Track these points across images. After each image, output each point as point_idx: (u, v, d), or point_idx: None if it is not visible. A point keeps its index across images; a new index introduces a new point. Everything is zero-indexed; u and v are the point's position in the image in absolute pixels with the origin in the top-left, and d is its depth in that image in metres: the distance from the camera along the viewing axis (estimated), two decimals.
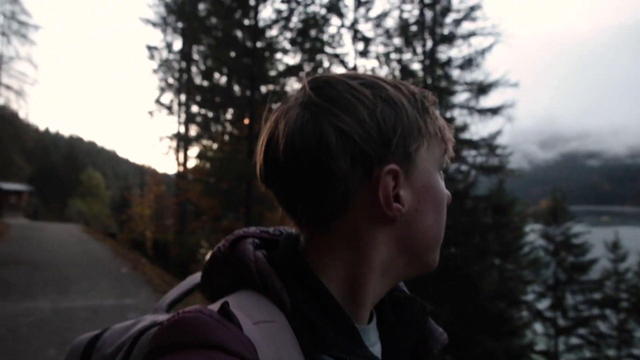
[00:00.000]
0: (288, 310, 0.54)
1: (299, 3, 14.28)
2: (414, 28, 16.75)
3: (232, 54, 13.34)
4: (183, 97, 21.64)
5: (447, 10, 16.52)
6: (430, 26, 16.61)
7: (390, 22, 19.07)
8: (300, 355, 0.52)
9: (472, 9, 16.24)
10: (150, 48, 22.82)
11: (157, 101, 22.20)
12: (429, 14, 16.65)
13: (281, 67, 14.83)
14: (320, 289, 0.57)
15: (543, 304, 19.29)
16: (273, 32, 14.64)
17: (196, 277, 0.73)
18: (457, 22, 16.48)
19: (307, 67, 17.01)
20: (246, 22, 13.83)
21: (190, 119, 18.87)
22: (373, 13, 16.90)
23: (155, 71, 22.83)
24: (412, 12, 16.98)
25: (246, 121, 10.90)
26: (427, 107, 0.61)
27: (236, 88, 16.22)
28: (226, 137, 12.02)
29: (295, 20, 14.97)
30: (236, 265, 0.59)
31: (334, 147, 0.55)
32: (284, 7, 14.52)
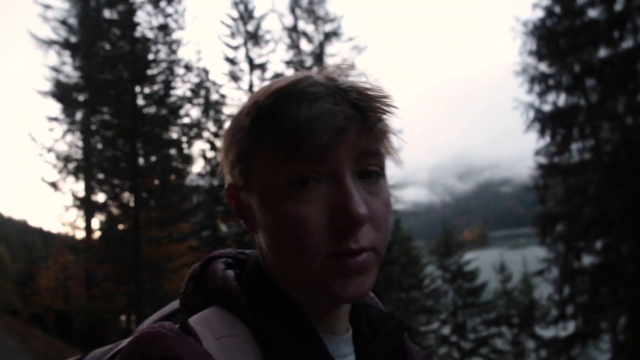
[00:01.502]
0: (251, 324, 0.55)
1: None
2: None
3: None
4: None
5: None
6: None
7: None
8: None
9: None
10: (51, 119, 22.77)
11: (62, 169, 22.01)
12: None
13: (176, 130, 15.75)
14: (278, 299, 0.58)
15: (447, 330, 20.90)
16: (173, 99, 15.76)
17: (176, 303, 0.73)
18: None
19: (211, 127, 18.25)
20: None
21: (90, 188, 18.99)
22: (268, 75, 18.38)
23: (56, 141, 22.72)
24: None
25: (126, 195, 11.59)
26: (260, 115, 0.56)
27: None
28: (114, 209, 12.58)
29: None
30: (207, 283, 0.61)
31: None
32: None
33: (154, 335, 0.47)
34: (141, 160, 14.98)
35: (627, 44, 9.33)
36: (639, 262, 8.74)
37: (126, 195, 11.94)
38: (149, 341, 0.46)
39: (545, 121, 10.55)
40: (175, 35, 15.04)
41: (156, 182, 13.04)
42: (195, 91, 15.78)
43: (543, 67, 10.78)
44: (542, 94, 10.58)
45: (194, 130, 17.00)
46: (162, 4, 14.48)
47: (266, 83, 0.60)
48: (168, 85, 13.86)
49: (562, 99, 10.60)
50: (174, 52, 15.00)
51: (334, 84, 0.55)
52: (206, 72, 16.85)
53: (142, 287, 10.19)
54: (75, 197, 12.53)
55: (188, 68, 14.10)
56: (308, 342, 0.56)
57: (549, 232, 12.16)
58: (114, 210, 12.27)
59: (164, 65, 14.07)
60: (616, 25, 9.18)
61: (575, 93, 10.15)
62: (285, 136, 0.53)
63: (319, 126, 0.52)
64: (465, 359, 20.29)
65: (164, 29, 14.49)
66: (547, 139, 10.83)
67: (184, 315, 0.61)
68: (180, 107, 14.16)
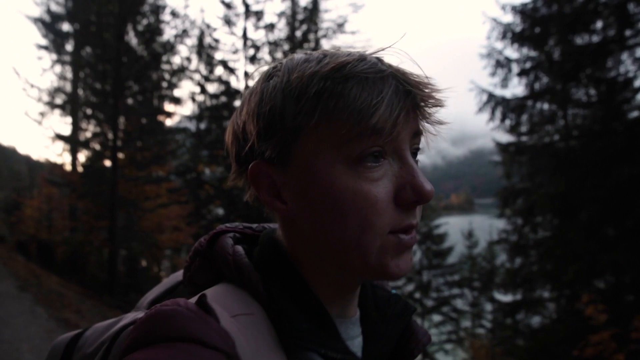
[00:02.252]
0: (265, 303, 0.54)
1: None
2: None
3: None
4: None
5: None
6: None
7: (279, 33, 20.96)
8: (278, 348, 0.51)
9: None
10: (40, 47, 22.56)
11: (48, 103, 22.06)
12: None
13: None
14: (295, 280, 0.57)
15: (411, 287, 22.14)
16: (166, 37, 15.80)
17: (178, 275, 0.71)
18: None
19: (203, 70, 18.40)
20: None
21: (77, 123, 19.20)
22: (262, 23, 18.39)
23: (45, 71, 22.62)
24: (301, 26, 18.89)
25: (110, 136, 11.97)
26: (324, 90, 0.53)
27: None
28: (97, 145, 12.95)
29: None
30: (215, 259, 0.59)
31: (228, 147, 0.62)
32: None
33: (170, 314, 0.45)
34: (130, 101, 15.26)
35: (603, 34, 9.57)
36: (580, 239, 9.38)
37: (109, 133, 12.31)
38: (165, 320, 0.44)
39: (496, 105, 11.03)
40: None
41: (143, 121, 13.37)
42: (180, 36, 15.73)
43: (521, 51, 11.05)
44: (504, 79, 10.98)
45: (183, 72, 17.18)
46: None
47: (299, 54, 0.60)
48: (156, 28, 13.88)
49: (521, 86, 11.00)
50: None
51: (391, 67, 0.56)
52: (202, 11, 16.74)
53: (116, 224, 10.81)
54: (56, 134, 12.79)
55: (174, 14, 14.07)
56: (322, 324, 0.56)
57: (509, 205, 12.83)
58: (96, 147, 12.67)
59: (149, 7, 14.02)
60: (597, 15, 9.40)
61: (537, 78, 10.59)
62: (360, 115, 0.51)
63: (393, 106, 0.52)
64: (426, 315, 21.64)
65: None
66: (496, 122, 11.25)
67: (192, 291, 0.60)
68: (170, 47, 14.21)
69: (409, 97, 0.54)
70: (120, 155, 11.91)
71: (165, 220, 13.13)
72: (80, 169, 15.91)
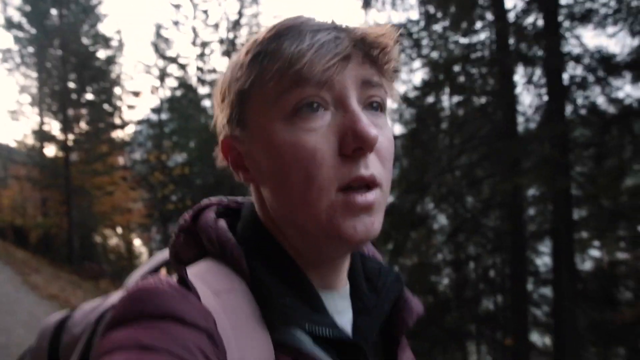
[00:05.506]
0: (248, 278, 0.53)
1: None
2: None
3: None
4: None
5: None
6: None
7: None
8: (260, 325, 0.50)
9: None
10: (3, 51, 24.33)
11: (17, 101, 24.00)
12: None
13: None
14: (276, 252, 0.56)
15: None
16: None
17: (166, 252, 0.70)
18: None
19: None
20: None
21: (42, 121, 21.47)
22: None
23: (10, 71, 24.48)
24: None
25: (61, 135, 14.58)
26: (263, 49, 0.53)
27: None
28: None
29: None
30: (199, 234, 0.58)
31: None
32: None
33: (151, 291, 0.44)
34: (90, 96, 17.63)
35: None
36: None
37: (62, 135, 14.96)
38: (145, 297, 0.43)
39: None
40: None
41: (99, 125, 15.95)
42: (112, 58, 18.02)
43: None
44: None
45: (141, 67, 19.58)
46: None
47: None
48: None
49: None
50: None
51: (335, 23, 0.54)
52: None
53: (72, 209, 13.61)
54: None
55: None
56: (306, 298, 0.54)
57: None
58: (51, 144, 15.31)
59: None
60: None
61: None
62: (290, 62, 0.50)
63: (323, 52, 0.50)
64: None
65: None
66: None
67: (178, 268, 0.56)
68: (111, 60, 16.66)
69: (349, 42, 0.52)
70: (73, 153, 14.65)
71: (121, 203, 15.95)
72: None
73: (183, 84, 20.78)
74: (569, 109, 7.88)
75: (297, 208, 0.52)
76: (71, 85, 17.82)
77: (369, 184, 0.52)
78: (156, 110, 20.76)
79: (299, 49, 0.50)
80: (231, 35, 20.17)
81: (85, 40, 17.02)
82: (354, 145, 0.50)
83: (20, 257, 12.96)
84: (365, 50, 0.53)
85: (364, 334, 0.58)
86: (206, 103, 21.10)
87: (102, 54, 18.49)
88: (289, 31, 0.52)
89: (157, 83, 20.76)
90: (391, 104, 0.58)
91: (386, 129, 0.55)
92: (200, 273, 0.52)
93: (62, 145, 14.45)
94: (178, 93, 20.81)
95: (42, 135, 17.92)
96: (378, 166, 0.53)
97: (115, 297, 0.67)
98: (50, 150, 22.58)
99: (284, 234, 0.57)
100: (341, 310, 0.58)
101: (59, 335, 0.68)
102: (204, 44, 21.42)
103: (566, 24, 7.66)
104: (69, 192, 13.73)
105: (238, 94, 0.55)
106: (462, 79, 9.07)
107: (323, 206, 0.51)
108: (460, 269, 10.25)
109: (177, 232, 0.62)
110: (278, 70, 0.51)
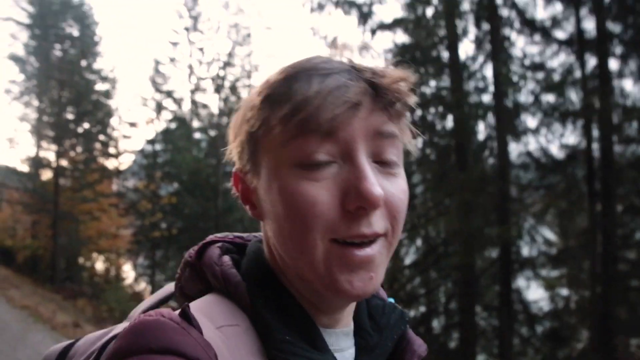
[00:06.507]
0: (250, 314, 0.54)
1: None
2: None
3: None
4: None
5: None
6: None
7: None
8: (261, 359, 0.51)
9: None
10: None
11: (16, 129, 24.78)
12: None
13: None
14: (278, 290, 0.56)
15: None
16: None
17: (171, 286, 0.72)
18: None
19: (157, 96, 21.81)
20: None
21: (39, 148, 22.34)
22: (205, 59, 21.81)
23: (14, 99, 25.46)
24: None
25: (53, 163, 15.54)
26: (272, 93, 0.54)
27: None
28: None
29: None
30: (204, 269, 0.59)
31: None
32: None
33: (153, 324, 0.45)
34: (86, 125, 18.56)
35: None
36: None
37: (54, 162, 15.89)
38: (147, 331, 0.44)
39: None
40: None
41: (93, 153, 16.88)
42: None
43: None
44: None
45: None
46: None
47: None
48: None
49: None
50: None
51: (349, 63, 0.53)
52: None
53: (58, 233, 14.47)
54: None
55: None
56: (307, 335, 0.54)
57: None
58: (44, 172, 16.23)
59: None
60: None
61: None
62: (295, 110, 0.50)
63: (331, 99, 0.49)
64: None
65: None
66: None
67: (183, 302, 0.59)
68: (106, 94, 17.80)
69: (366, 90, 0.50)
70: (63, 180, 15.61)
71: (107, 229, 16.70)
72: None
73: (177, 117, 21.80)
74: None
75: (296, 255, 0.53)
76: (69, 116, 19.02)
77: (369, 244, 0.52)
78: (151, 141, 21.64)
79: (306, 96, 0.50)
80: (222, 73, 21.30)
81: (84, 75, 18.15)
82: (356, 203, 0.50)
83: (3, 274, 13.58)
84: (378, 96, 0.51)
85: None
86: (197, 135, 22.10)
87: (100, 86, 19.67)
88: (298, 75, 0.52)
89: (154, 115, 21.77)
90: (411, 148, 0.57)
91: (400, 182, 0.55)
92: (203, 307, 0.54)
93: (54, 172, 15.41)
94: (172, 126, 21.81)
95: (38, 162, 18.81)
96: (384, 221, 0.53)
97: (119, 328, 0.66)
98: (44, 176, 23.48)
99: (287, 273, 0.57)
100: (344, 348, 0.59)
101: None
102: (199, 80, 22.65)
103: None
104: (56, 217, 14.58)
105: (248, 135, 0.56)
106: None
107: (318, 255, 0.51)
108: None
109: (182, 267, 0.64)
110: (285, 116, 0.51)
